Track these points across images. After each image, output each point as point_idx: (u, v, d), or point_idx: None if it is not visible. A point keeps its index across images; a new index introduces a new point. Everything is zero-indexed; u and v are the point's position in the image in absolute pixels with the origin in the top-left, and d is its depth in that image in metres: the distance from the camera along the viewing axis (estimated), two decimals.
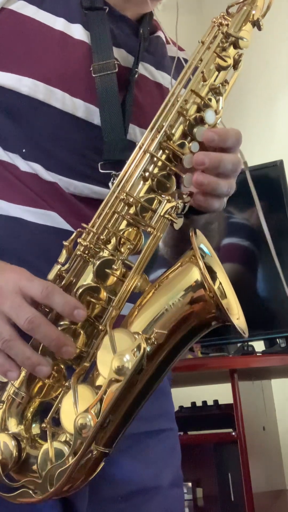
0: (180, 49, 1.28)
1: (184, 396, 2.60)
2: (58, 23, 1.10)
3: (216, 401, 2.52)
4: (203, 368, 2.46)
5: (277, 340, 2.55)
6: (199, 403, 2.55)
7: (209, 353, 2.63)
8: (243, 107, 3.54)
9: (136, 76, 1.13)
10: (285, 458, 2.76)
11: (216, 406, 2.51)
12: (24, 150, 1.06)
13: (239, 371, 2.35)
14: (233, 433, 2.30)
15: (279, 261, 2.51)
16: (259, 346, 2.61)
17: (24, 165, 1.06)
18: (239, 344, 2.57)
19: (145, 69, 1.18)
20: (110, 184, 1.03)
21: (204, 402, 2.54)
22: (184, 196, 0.94)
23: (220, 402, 2.51)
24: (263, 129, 3.56)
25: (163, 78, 1.21)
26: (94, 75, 1.07)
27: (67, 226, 1.03)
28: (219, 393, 2.58)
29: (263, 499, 2.36)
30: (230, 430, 2.33)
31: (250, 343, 2.53)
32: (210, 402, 2.53)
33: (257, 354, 2.52)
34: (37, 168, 1.05)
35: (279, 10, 3.16)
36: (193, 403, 2.55)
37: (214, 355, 2.62)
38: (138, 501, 1.06)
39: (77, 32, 1.11)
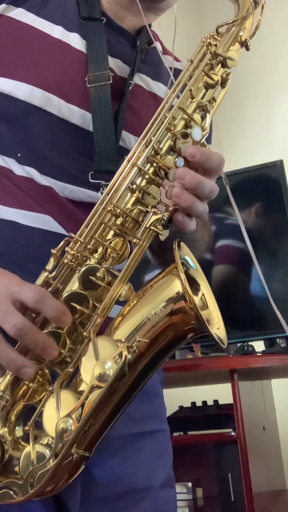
0: (177, 59, 1.30)
1: (184, 396, 2.61)
2: (56, 31, 1.13)
3: (216, 401, 2.51)
4: (203, 368, 2.44)
5: (277, 340, 2.54)
6: (199, 403, 2.54)
7: (209, 353, 2.61)
8: (244, 108, 3.54)
9: (130, 88, 1.15)
10: (285, 458, 2.75)
11: (216, 406, 2.49)
12: (19, 155, 1.08)
13: (239, 371, 2.34)
14: (233, 433, 2.29)
15: (277, 261, 2.53)
16: (259, 346, 2.61)
17: (19, 169, 1.08)
18: (239, 344, 2.56)
19: (141, 79, 1.20)
20: (99, 194, 1.05)
21: (204, 402, 2.53)
22: (170, 208, 0.96)
23: (220, 402, 2.50)
24: (263, 129, 3.56)
25: (158, 88, 1.23)
26: (88, 86, 1.10)
27: (61, 230, 1.06)
28: (219, 393, 2.57)
29: (263, 499, 2.36)
30: (230, 430, 2.32)
31: (250, 343, 2.52)
32: (210, 402, 2.52)
33: (257, 354, 2.50)
34: (32, 172, 1.07)
35: (279, 11, 3.17)
36: (193, 403, 2.54)
37: (214, 355, 2.60)
38: (129, 501, 1.07)
39: (75, 40, 1.13)
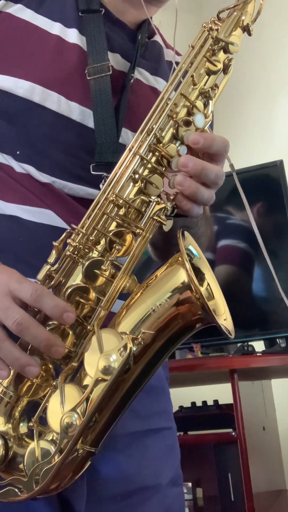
0: (178, 54, 1.28)
1: (184, 396, 2.59)
2: (55, 28, 1.12)
3: (216, 401, 2.51)
4: (203, 368, 2.44)
5: (277, 340, 2.54)
6: (199, 403, 2.53)
7: (209, 353, 2.62)
8: (244, 107, 3.55)
9: (132, 81, 1.14)
10: (285, 458, 2.75)
11: (216, 406, 2.49)
12: (18, 152, 1.07)
13: (239, 371, 2.33)
14: (233, 433, 2.28)
15: (278, 261, 2.52)
16: (259, 346, 2.61)
17: (18, 167, 1.06)
18: (239, 344, 2.56)
19: (140, 74, 1.19)
20: (100, 185, 1.04)
21: (204, 402, 2.52)
22: (171, 197, 0.94)
23: (220, 402, 2.50)
24: (263, 129, 3.56)
25: (158, 83, 1.21)
26: (88, 78, 1.08)
27: (64, 225, 1.04)
28: (219, 393, 2.57)
29: (263, 499, 2.35)
30: (230, 430, 2.32)
31: (250, 343, 2.52)
32: (210, 402, 2.51)
33: (257, 354, 2.51)
34: (30, 170, 1.06)
35: (279, 10, 3.17)
36: (193, 403, 2.54)
37: (214, 355, 2.61)
38: (137, 500, 1.06)
39: (73, 36, 1.12)
